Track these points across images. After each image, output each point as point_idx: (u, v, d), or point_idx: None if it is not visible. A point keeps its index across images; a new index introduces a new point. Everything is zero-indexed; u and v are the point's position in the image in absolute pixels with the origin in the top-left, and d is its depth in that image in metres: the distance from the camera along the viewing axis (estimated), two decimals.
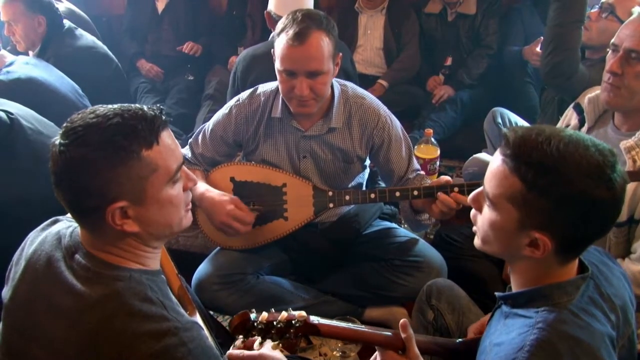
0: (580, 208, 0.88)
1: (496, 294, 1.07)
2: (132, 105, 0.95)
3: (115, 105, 0.94)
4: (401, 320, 1.12)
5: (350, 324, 1.18)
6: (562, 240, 0.92)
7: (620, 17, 1.87)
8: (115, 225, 0.93)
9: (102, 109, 0.93)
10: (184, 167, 1.03)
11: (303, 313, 1.12)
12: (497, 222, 0.97)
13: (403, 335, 1.11)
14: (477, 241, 1.07)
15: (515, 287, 1.05)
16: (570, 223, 0.90)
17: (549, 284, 0.97)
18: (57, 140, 0.92)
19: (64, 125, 0.93)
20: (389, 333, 1.14)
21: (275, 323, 1.11)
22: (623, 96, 1.48)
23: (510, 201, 0.93)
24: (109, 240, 0.97)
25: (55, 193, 0.94)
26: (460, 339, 1.29)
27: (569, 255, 0.97)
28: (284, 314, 1.12)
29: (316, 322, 1.13)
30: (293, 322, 1.11)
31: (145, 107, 0.95)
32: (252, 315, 1.11)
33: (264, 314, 1.12)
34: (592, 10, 1.96)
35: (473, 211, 1.06)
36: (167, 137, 0.97)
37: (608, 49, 1.54)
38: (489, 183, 0.97)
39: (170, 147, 0.97)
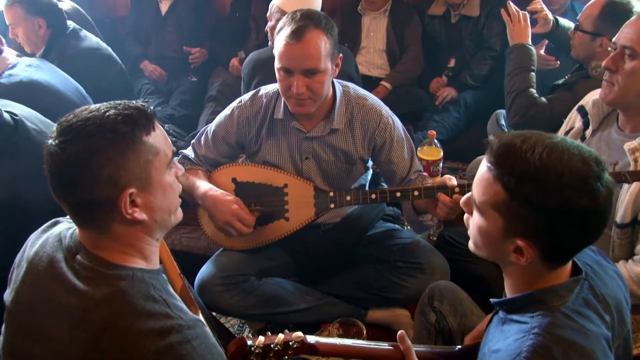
0: (562, 218, 0.88)
1: (491, 300, 1.07)
2: (119, 101, 0.98)
3: (104, 103, 0.97)
4: (398, 332, 1.11)
5: (348, 340, 1.17)
6: (546, 249, 0.92)
7: (587, 29, 1.99)
8: (127, 214, 0.95)
9: (93, 106, 0.96)
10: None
11: (300, 334, 1.12)
12: (484, 228, 0.98)
13: (402, 347, 1.11)
14: (470, 244, 1.08)
15: (508, 291, 1.05)
16: (553, 232, 0.90)
17: (541, 289, 0.97)
18: (53, 140, 0.92)
19: (57, 125, 0.94)
20: (389, 346, 1.14)
21: (272, 346, 1.11)
22: (616, 92, 1.50)
23: (495, 209, 0.94)
24: (115, 236, 0.97)
25: (56, 195, 0.95)
26: (459, 346, 1.29)
27: (556, 262, 0.97)
28: (281, 336, 1.12)
29: (314, 341, 1.13)
30: (290, 343, 1.11)
31: (132, 102, 0.99)
32: (249, 341, 1.11)
33: (261, 338, 1.11)
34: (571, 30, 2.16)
35: (466, 215, 1.07)
36: (158, 126, 1.01)
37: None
38: (476, 189, 0.98)
39: (164, 134, 1.02)
